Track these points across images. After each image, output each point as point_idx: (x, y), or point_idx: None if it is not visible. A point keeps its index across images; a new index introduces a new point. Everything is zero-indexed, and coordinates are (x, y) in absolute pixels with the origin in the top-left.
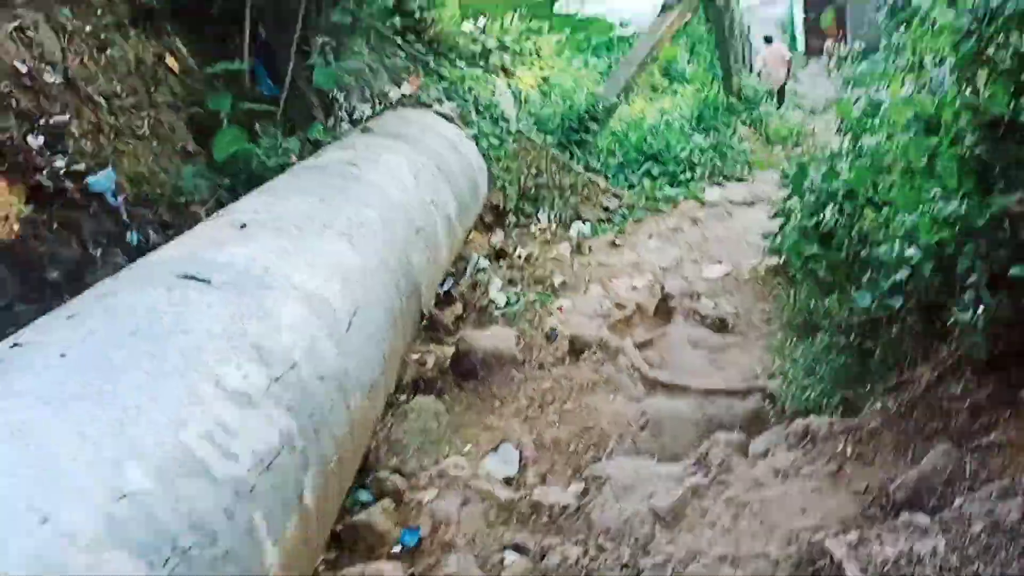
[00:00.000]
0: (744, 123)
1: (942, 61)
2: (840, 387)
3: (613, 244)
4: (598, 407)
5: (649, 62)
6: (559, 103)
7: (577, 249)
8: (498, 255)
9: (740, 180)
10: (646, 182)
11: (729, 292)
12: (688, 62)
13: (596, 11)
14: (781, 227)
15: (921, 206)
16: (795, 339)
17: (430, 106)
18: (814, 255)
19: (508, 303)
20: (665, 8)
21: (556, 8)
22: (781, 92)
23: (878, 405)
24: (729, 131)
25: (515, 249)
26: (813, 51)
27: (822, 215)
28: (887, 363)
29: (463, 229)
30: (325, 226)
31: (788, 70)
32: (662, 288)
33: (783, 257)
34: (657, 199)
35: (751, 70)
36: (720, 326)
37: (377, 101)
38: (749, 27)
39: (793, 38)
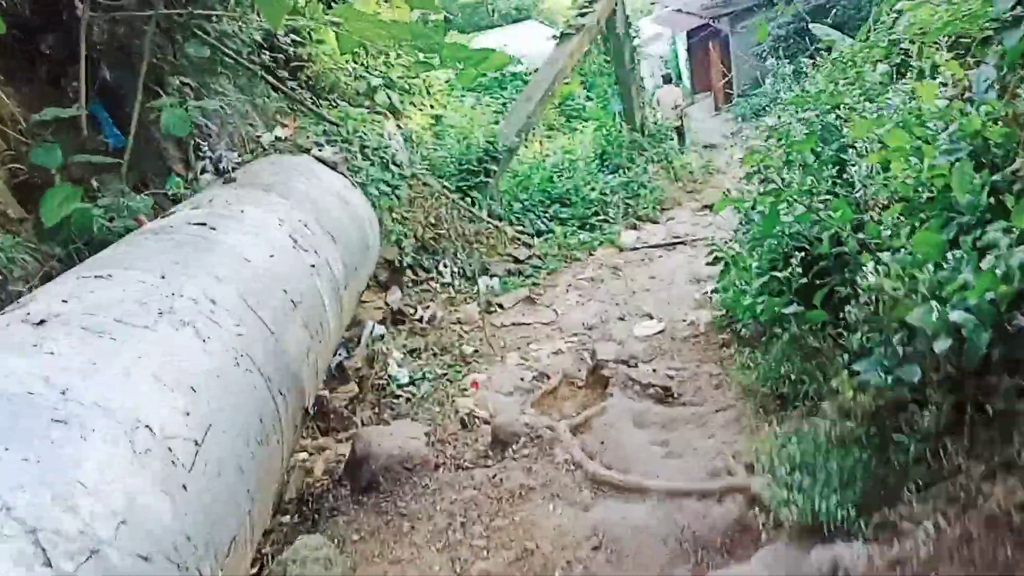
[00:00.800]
0: (650, 160)
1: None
2: (856, 491)
3: (528, 300)
4: (536, 521)
5: (550, 97)
6: (455, 144)
7: (487, 308)
8: (396, 318)
9: (653, 221)
10: (557, 228)
11: (667, 353)
12: (587, 97)
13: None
14: (722, 275)
15: (962, 255)
16: (768, 416)
17: (309, 151)
18: (794, 314)
19: (411, 380)
20: (563, 38)
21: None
22: (681, 136)
23: (928, 523)
24: (639, 169)
25: (416, 310)
26: (699, 88)
27: (793, 264)
28: (921, 460)
29: (354, 293)
30: (163, 313)
31: (678, 115)
32: (592, 353)
33: (724, 310)
34: (571, 246)
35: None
36: (664, 396)
37: (247, 147)
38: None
39: (679, 75)
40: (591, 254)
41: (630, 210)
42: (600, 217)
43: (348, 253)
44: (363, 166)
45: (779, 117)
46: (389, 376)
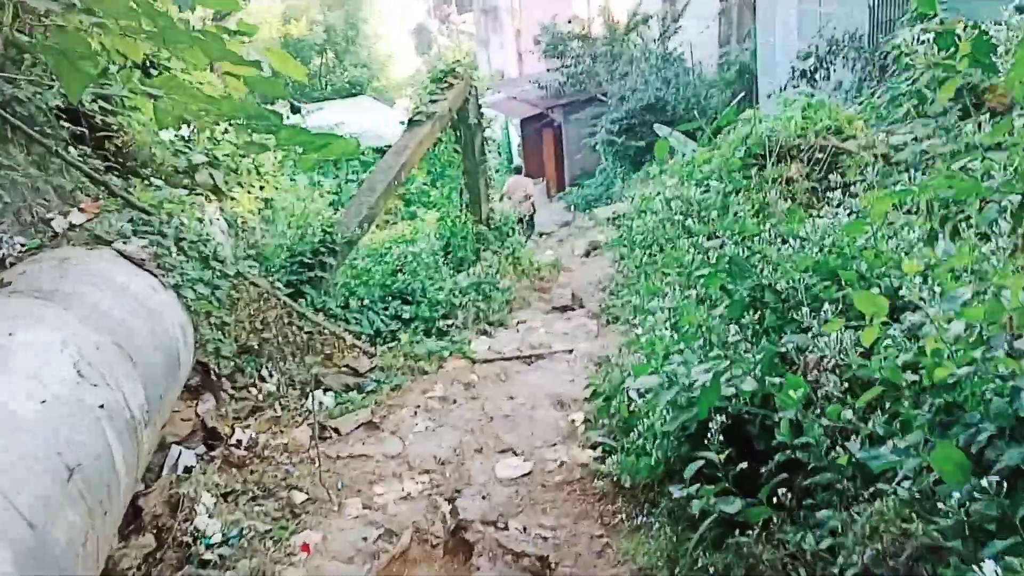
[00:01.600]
0: (496, 254)
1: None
2: None
3: (370, 425)
4: None
5: (396, 186)
6: (287, 232)
7: (321, 433)
8: (209, 439)
9: (504, 326)
10: (403, 336)
11: (537, 504)
12: (432, 183)
13: (320, 123)
14: (601, 410)
15: None
16: None
17: (111, 243)
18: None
19: (225, 539)
20: (412, 125)
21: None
22: (530, 222)
23: None
24: (487, 265)
25: (233, 431)
26: (532, 175)
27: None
28: None
29: (158, 427)
30: None
31: (532, 204)
32: (452, 508)
33: (596, 447)
34: (419, 356)
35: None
36: (541, 568)
37: (36, 232)
38: None
39: (510, 160)
40: (441, 366)
41: (481, 314)
42: (449, 321)
43: (152, 378)
44: (178, 262)
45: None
46: (196, 530)
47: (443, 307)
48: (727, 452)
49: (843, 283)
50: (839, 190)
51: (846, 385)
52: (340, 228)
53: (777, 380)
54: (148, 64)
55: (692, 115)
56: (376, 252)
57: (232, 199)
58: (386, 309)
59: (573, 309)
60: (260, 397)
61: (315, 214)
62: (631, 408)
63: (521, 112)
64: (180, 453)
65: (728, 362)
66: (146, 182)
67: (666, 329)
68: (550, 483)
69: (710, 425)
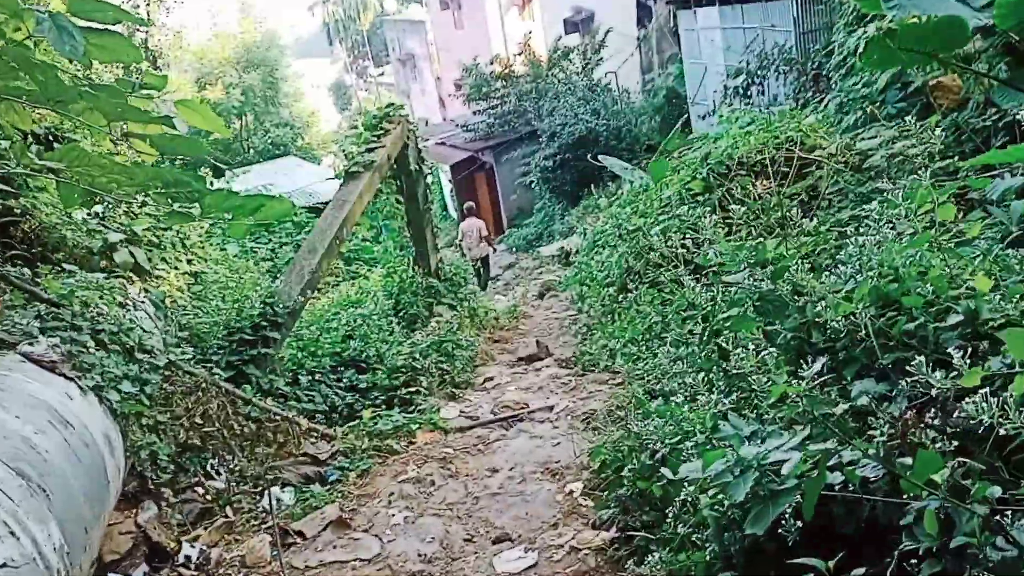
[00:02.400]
0: (451, 308)
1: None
2: None
3: (339, 523)
4: None
5: (338, 244)
6: (222, 308)
7: (283, 539)
8: (154, 555)
9: (470, 386)
10: (364, 413)
11: None
12: (374, 239)
13: (246, 188)
14: (609, 490)
15: None
16: None
17: (15, 345)
18: None
19: None
20: (349, 177)
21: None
22: (486, 265)
23: None
24: (442, 321)
25: (180, 543)
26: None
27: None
28: None
29: (85, 569)
30: None
31: (488, 242)
32: None
33: (611, 528)
34: (384, 434)
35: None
36: None
37: None
38: None
39: (444, 208)
40: (411, 442)
41: (446, 376)
42: (412, 388)
43: (72, 510)
44: (98, 359)
45: (586, 256)
46: None
47: (403, 373)
48: (837, 558)
49: (911, 312)
50: (819, 202)
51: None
52: (281, 297)
53: (906, 460)
54: (51, 137)
55: (624, 144)
56: (322, 319)
57: (157, 278)
58: (340, 381)
59: (541, 359)
60: (208, 498)
61: (252, 285)
62: (662, 485)
63: (451, 157)
64: None
65: (831, 442)
66: (57, 268)
67: (701, 386)
68: (561, 574)
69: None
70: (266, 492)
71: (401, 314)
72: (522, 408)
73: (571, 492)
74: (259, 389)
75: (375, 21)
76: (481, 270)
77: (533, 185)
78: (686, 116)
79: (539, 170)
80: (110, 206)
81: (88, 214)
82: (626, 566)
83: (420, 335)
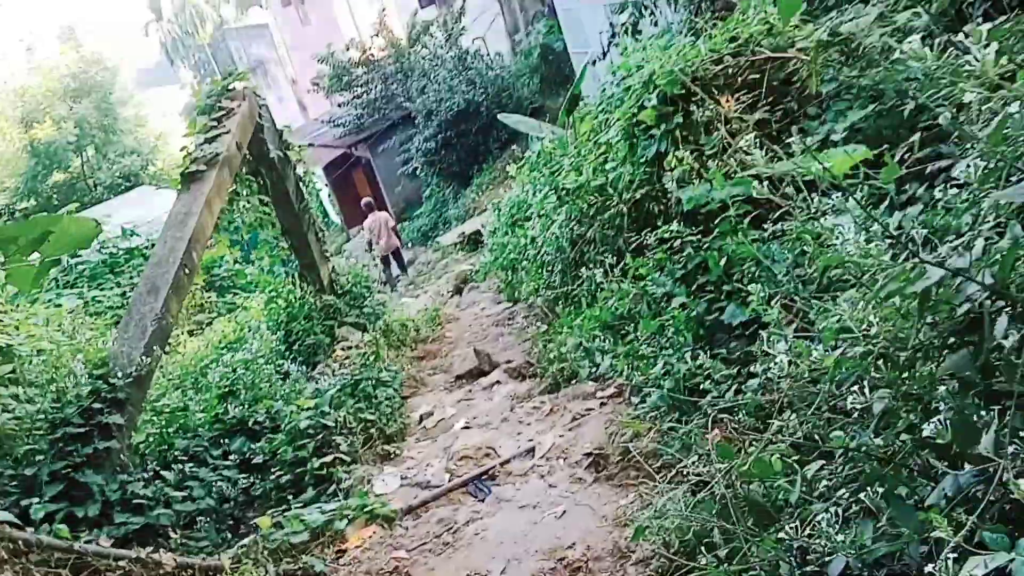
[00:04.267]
0: (358, 328)
1: None
2: None
3: None
4: None
5: (188, 274)
6: (37, 396)
7: None
8: None
9: (405, 436)
10: (262, 522)
11: None
12: (246, 260)
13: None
14: None
15: None
16: None
17: None
18: None
19: None
20: (187, 181)
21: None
22: (399, 260)
23: None
24: (358, 349)
25: None
26: (350, 223)
27: None
28: None
29: None
30: None
31: (396, 234)
32: None
33: None
34: (296, 548)
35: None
36: None
37: None
38: None
39: (324, 215)
40: (340, 550)
41: (372, 429)
42: (327, 456)
43: None
44: None
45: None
46: None
47: (311, 437)
48: None
49: None
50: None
51: None
52: (119, 363)
53: None
54: None
55: (509, 110)
56: (190, 376)
57: None
58: (226, 457)
59: (485, 372)
60: None
61: (78, 352)
62: None
63: (322, 158)
64: None
65: None
66: None
67: None
68: None
69: None
70: None
71: (297, 348)
72: (488, 455)
73: None
74: (102, 504)
75: (215, 34)
76: (393, 267)
77: (418, 172)
78: (583, 67)
79: (421, 155)
80: None
81: None
82: None
83: (325, 377)
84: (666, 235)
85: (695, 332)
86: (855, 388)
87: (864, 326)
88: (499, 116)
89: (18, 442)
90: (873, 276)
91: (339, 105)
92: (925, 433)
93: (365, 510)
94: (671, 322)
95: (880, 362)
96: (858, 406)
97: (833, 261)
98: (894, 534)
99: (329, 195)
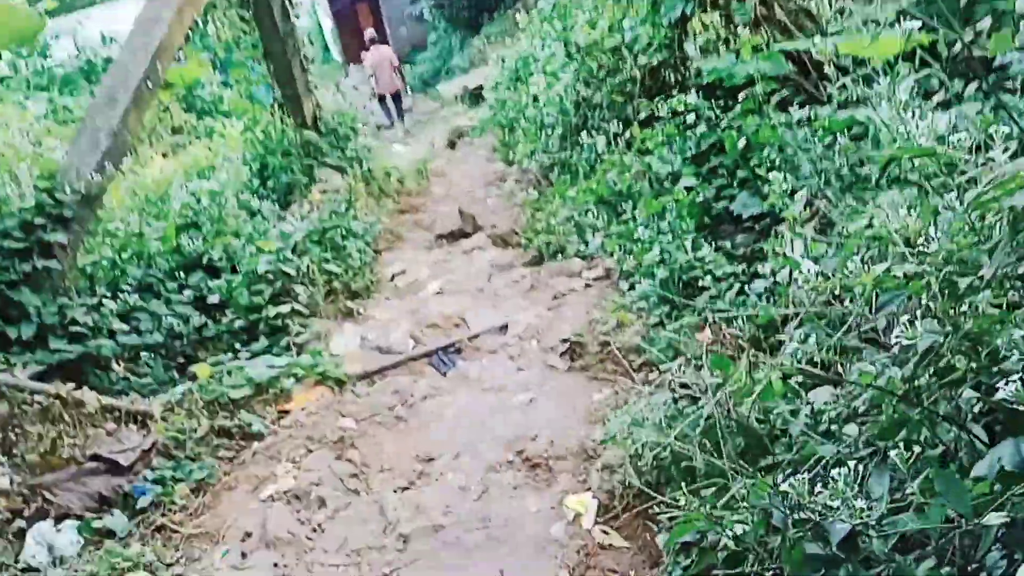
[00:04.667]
0: (338, 171)
1: None
2: None
3: None
4: None
5: (149, 90)
6: None
7: None
8: None
9: (372, 293)
10: (200, 370)
11: None
12: (223, 83)
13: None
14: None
15: None
16: None
17: None
18: None
19: None
20: None
21: None
22: (398, 102)
23: None
24: (335, 194)
25: None
26: (351, 59)
27: None
28: None
29: None
30: None
31: (400, 74)
32: None
33: None
34: (236, 402)
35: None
36: None
37: None
38: None
39: (326, 49)
40: (283, 411)
41: (336, 280)
42: (283, 306)
43: None
44: None
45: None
46: None
47: (269, 283)
48: None
49: None
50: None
51: None
52: (68, 177)
53: None
54: None
55: None
56: (152, 201)
57: None
58: (183, 291)
59: (468, 234)
60: None
61: (25, 159)
62: None
63: None
64: None
65: None
66: None
67: None
68: None
69: None
70: (28, 536)
71: (271, 185)
72: (459, 326)
73: (576, 516)
74: (38, 327)
75: None
76: (393, 107)
77: (425, 15)
78: None
79: None
80: None
81: None
82: None
83: (293, 215)
84: (680, 107)
85: (699, 219)
86: (903, 317)
87: (920, 239)
88: None
89: None
90: (948, 177)
91: None
92: (999, 395)
93: (316, 370)
94: (674, 205)
95: (938, 288)
96: (903, 340)
97: (902, 154)
98: (920, 502)
99: (333, 31)
